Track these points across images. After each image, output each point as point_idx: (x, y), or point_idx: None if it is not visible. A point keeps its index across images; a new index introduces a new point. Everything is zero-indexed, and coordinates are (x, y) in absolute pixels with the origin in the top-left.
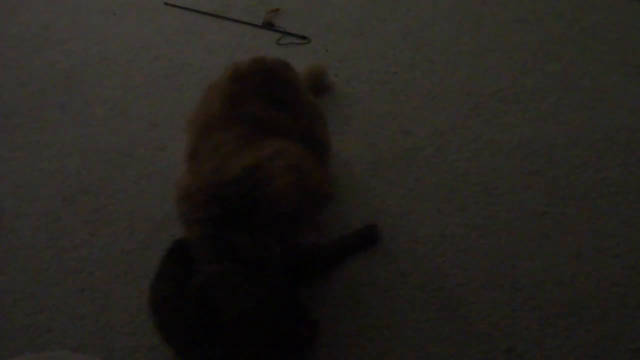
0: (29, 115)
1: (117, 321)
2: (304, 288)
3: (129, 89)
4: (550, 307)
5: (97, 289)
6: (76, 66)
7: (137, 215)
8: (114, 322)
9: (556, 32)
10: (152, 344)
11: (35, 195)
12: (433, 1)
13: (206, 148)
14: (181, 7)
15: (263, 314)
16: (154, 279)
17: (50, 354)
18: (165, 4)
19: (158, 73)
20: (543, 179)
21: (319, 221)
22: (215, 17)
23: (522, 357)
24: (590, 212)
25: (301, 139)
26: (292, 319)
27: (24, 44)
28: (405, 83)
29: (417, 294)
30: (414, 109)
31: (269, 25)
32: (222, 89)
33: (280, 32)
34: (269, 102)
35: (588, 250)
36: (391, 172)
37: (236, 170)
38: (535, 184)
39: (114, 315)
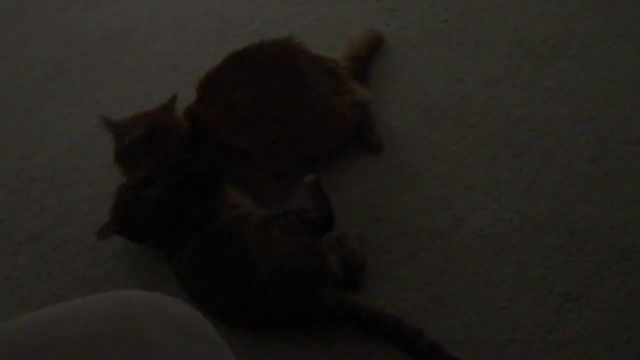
0: (82, 72)
1: None
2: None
3: (179, 45)
4: (606, 251)
5: None
6: (126, 24)
7: None
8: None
9: None
10: None
11: (92, 150)
12: None
13: None
14: None
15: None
16: None
17: (116, 292)
18: None
19: (207, 28)
20: (597, 125)
21: None
22: None
23: (578, 301)
24: None
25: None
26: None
27: (73, 4)
28: (456, 31)
29: (473, 239)
30: (465, 57)
31: None
32: None
33: None
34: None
35: None
36: (444, 119)
37: None
38: (589, 130)
39: None
